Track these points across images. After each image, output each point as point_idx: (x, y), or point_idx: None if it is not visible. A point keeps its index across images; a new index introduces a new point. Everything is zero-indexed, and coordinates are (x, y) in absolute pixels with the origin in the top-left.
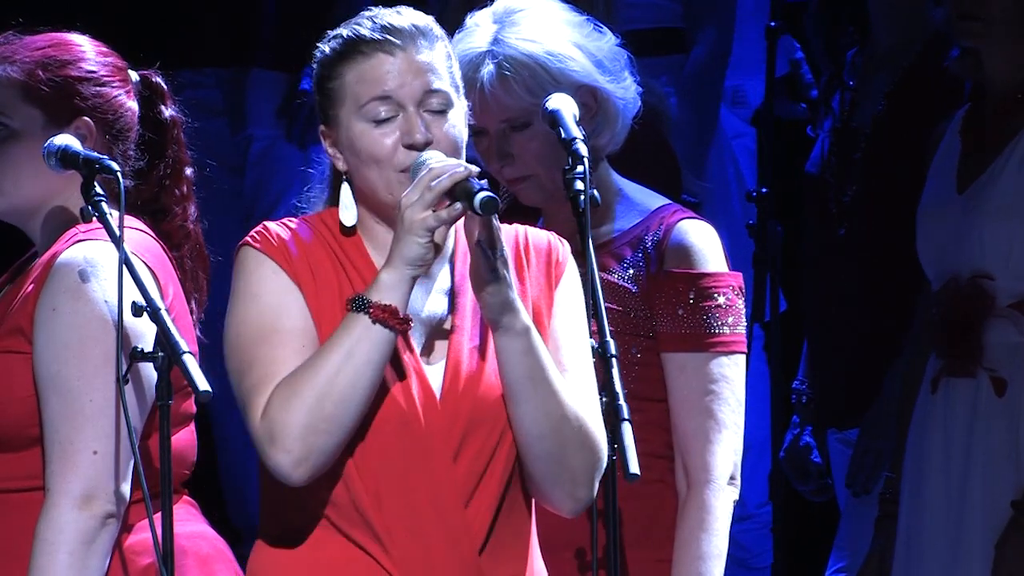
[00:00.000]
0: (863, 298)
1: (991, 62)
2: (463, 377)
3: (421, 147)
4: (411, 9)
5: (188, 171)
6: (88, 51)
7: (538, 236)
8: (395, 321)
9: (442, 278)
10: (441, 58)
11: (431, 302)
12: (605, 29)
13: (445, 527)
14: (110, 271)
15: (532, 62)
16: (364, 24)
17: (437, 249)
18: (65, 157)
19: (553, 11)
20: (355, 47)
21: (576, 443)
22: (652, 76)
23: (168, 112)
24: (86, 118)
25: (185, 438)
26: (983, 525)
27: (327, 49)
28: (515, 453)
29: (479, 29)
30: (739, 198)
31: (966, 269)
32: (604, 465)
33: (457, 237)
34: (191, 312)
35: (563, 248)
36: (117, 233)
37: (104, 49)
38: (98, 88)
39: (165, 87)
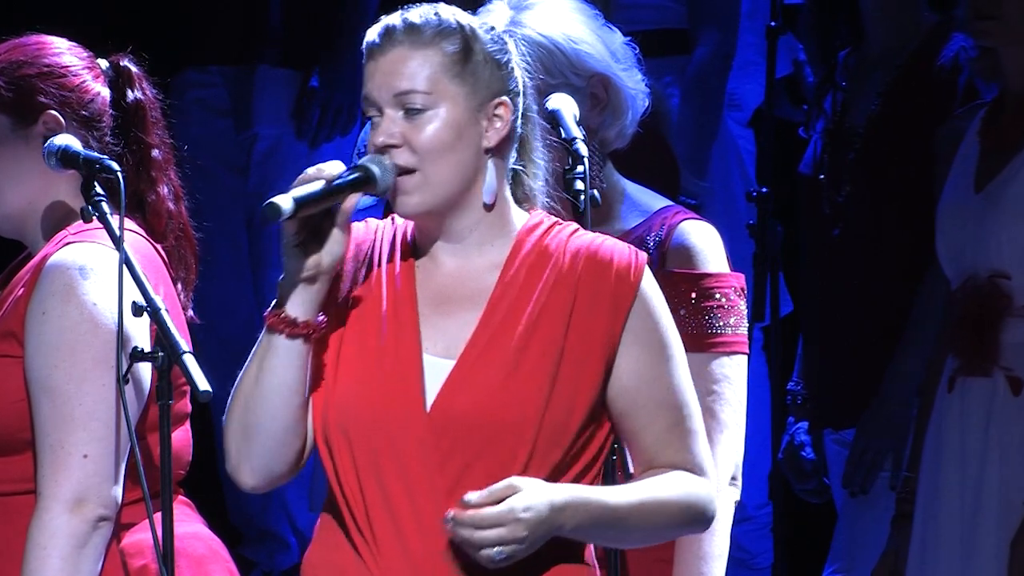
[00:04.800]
0: (858, 298)
1: (1008, 62)
2: (472, 378)
3: (381, 149)
4: (428, 5)
5: (155, 153)
6: (45, 47)
7: (609, 250)
8: (288, 329)
9: (483, 276)
10: (428, 57)
11: (455, 300)
12: (614, 28)
13: (425, 543)
14: (100, 273)
15: (549, 43)
16: (375, 26)
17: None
18: (65, 157)
19: (567, 1)
20: (367, 49)
21: (683, 530)
22: (655, 77)
23: (132, 95)
24: (52, 112)
25: (181, 438)
26: (998, 524)
27: None
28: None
29: (493, 13)
30: (744, 199)
31: (984, 269)
32: (714, 500)
33: (520, 240)
34: (178, 295)
35: (639, 268)
36: (117, 233)
37: (64, 43)
38: (59, 80)
39: (135, 70)
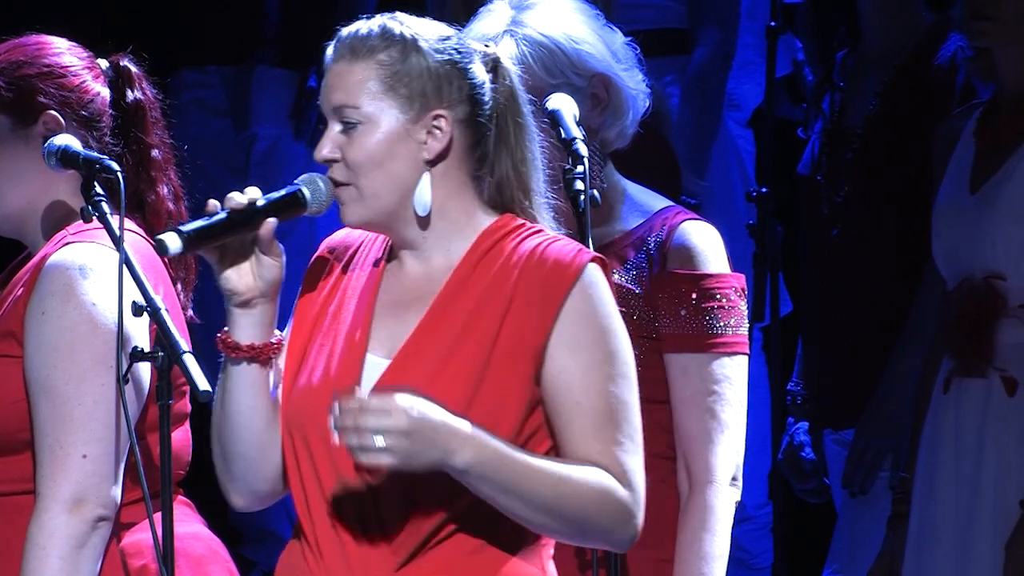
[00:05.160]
0: (857, 298)
1: (1004, 63)
2: (400, 378)
3: (321, 163)
4: (384, 16)
5: (155, 153)
6: (45, 47)
7: (552, 249)
8: (233, 352)
9: (437, 278)
10: (363, 70)
11: (409, 302)
12: (615, 28)
13: (363, 542)
14: (99, 273)
15: (550, 43)
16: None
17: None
18: (65, 157)
19: (568, 1)
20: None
21: (594, 526)
22: (655, 76)
23: (132, 95)
24: (52, 112)
25: (180, 438)
26: (994, 525)
27: None
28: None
29: (494, 13)
30: (744, 199)
31: (979, 269)
32: (637, 520)
33: (478, 244)
34: (178, 296)
35: (576, 268)
36: (117, 233)
37: (64, 43)
38: (59, 80)
39: (134, 70)
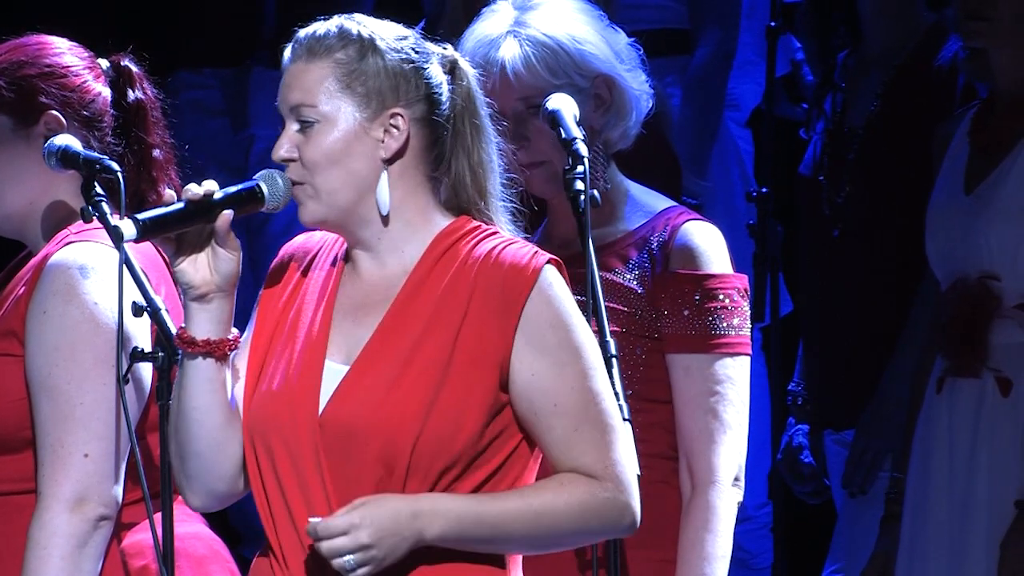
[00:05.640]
0: (858, 299)
1: (999, 63)
2: (359, 385)
3: (279, 162)
4: (342, 17)
5: (156, 153)
6: (46, 47)
7: (508, 253)
8: (189, 348)
9: (394, 282)
10: (319, 69)
11: (367, 306)
12: (618, 28)
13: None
14: (101, 272)
15: (554, 43)
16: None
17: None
18: (65, 157)
19: (571, 2)
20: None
21: (586, 536)
22: (656, 76)
23: (133, 95)
24: (53, 112)
25: None
26: (987, 525)
27: None
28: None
29: (497, 14)
30: (744, 199)
31: (973, 270)
32: (630, 508)
33: (434, 246)
34: (180, 295)
35: (534, 271)
36: None
37: (65, 43)
38: (61, 80)
39: (135, 70)
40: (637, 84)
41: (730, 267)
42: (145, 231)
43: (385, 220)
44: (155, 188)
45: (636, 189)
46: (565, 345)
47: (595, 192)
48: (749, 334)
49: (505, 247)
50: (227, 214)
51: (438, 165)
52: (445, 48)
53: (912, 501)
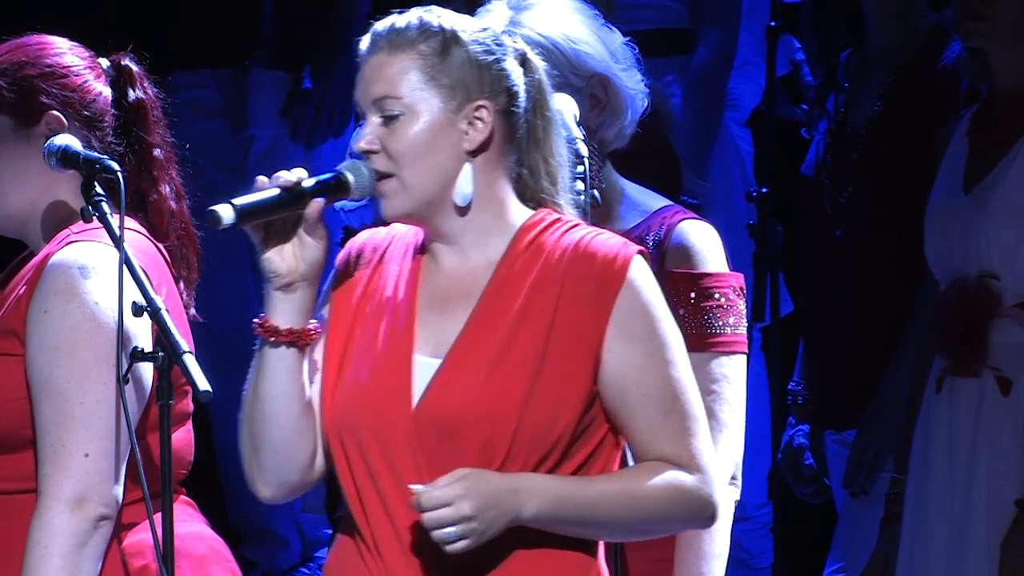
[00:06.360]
0: (859, 299)
1: (998, 63)
2: (455, 378)
3: (360, 155)
4: (419, 9)
5: (157, 152)
6: (47, 47)
7: (598, 244)
8: (272, 337)
9: (479, 275)
10: (404, 62)
11: (451, 299)
12: (614, 28)
13: (424, 540)
14: (102, 272)
15: (548, 43)
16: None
17: (312, 260)
18: (65, 157)
19: (566, 2)
20: (359, 56)
21: (671, 524)
22: (656, 76)
23: (134, 94)
24: (55, 112)
25: (182, 437)
26: (988, 525)
27: None
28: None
29: (492, 14)
30: (744, 199)
31: (973, 269)
32: (712, 498)
33: (519, 239)
34: (180, 295)
35: (625, 262)
36: (117, 233)
37: (66, 43)
38: (61, 80)
39: (135, 69)
40: (632, 84)
41: (726, 266)
42: (241, 217)
43: (467, 212)
44: (156, 187)
45: (632, 188)
46: (654, 335)
47: (595, 192)
48: (745, 332)
49: (593, 238)
50: (319, 202)
51: (515, 157)
52: (516, 41)
53: (912, 501)
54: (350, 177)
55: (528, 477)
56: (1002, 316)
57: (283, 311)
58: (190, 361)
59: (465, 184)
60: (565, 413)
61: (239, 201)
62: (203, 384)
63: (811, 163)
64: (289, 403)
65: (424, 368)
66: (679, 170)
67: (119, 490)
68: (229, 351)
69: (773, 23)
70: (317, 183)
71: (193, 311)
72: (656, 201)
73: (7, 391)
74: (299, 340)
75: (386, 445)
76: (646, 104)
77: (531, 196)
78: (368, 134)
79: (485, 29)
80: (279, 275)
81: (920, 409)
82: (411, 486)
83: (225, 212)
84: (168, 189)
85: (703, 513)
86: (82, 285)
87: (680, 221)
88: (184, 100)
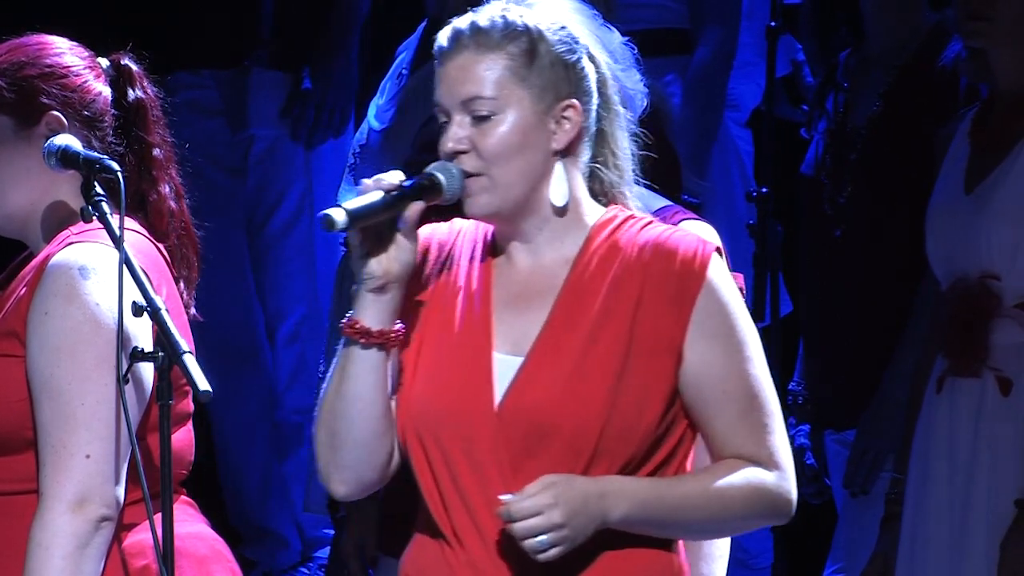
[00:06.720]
0: (859, 299)
1: (999, 63)
2: (539, 376)
3: (450, 156)
4: (497, 6)
5: (156, 152)
6: (47, 48)
7: (676, 241)
8: (363, 339)
9: (555, 273)
10: (494, 61)
11: (528, 297)
12: (613, 27)
13: (506, 537)
14: (103, 273)
15: None
16: (445, 29)
17: (402, 263)
18: (65, 157)
19: (565, 2)
20: (437, 54)
21: (752, 522)
22: (656, 76)
23: (134, 94)
24: (55, 112)
25: (183, 438)
26: (987, 525)
27: None
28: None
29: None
30: (744, 199)
31: (974, 269)
32: (791, 495)
33: (593, 236)
34: (180, 295)
35: (704, 259)
36: (117, 233)
37: (66, 43)
38: (61, 80)
39: (135, 69)
40: (631, 83)
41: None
42: (353, 220)
43: (561, 211)
44: (155, 187)
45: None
46: (734, 333)
47: None
48: None
49: (671, 235)
50: (418, 205)
51: (590, 154)
52: (581, 36)
53: (912, 501)
54: (442, 178)
55: (614, 480)
56: (1003, 316)
57: (374, 312)
58: (190, 361)
59: (560, 184)
60: (649, 411)
61: (349, 205)
62: (203, 384)
63: (811, 163)
64: (373, 403)
65: (504, 366)
66: (679, 170)
67: (120, 491)
68: (229, 351)
69: (773, 23)
70: (413, 185)
71: (193, 311)
72: (656, 201)
73: (8, 392)
74: (388, 342)
75: (468, 443)
76: (646, 104)
77: (601, 191)
78: (457, 135)
79: (563, 27)
80: (374, 277)
81: (920, 409)
82: (500, 496)
83: (338, 216)
84: (168, 189)
85: (783, 511)
86: (82, 286)
87: (680, 221)
88: (184, 100)
